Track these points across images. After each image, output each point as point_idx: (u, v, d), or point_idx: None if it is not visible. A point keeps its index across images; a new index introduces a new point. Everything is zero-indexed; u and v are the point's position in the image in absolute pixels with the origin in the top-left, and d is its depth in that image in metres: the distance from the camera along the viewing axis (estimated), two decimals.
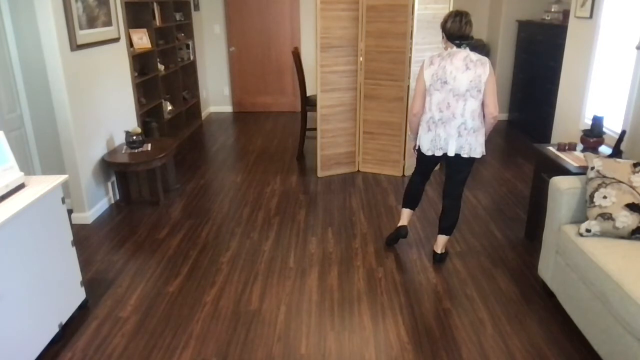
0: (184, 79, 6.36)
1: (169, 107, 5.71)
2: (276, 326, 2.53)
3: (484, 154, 2.88)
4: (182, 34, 6.22)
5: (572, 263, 2.39)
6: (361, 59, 4.42)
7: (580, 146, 3.17)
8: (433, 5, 4.20)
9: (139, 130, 4.08)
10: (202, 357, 2.32)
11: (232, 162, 5.08)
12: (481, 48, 6.32)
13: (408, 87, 4.31)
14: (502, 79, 6.44)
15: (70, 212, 3.66)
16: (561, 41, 4.64)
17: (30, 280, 2.20)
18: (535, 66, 5.61)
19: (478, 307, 2.67)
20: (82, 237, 3.51)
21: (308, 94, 6.49)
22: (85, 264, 3.15)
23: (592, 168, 2.46)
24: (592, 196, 2.40)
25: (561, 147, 3.12)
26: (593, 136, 3.08)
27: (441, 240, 3.08)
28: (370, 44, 4.35)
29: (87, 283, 2.93)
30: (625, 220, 2.28)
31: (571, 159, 2.96)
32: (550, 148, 3.19)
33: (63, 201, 2.48)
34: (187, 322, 2.57)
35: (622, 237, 2.33)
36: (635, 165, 2.38)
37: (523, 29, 6.03)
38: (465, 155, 2.83)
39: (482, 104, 2.77)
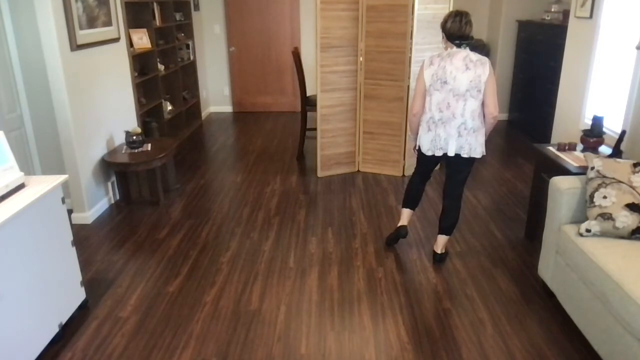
0: (184, 79, 6.36)
1: (169, 107, 5.71)
2: (276, 326, 2.53)
3: (484, 154, 2.87)
4: (182, 34, 6.22)
5: (572, 263, 2.39)
6: (361, 59, 4.42)
7: (580, 146, 3.17)
8: (433, 5, 4.20)
9: (139, 130, 4.08)
10: (202, 357, 2.32)
11: (232, 162, 5.08)
12: (481, 48, 6.32)
13: (408, 87, 4.31)
14: (502, 79, 6.44)
15: (70, 212, 3.66)
16: (561, 41, 4.64)
17: (30, 280, 2.20)
18: (535, 66, 5.61)
19: (478, 307, 2.67)
20: (82, 237, 3.52)
21: (308, 94, 6.49)
22: (85, 264, 3.15)
23: (592, 168, 2.46)
24: (592, 196, 2.40)
25: (561, 147, 3.12)
26: (593, 136, 3.08)
27: (441, 240, 3.08)
28: (370, 44, 4.35)
29: (87, 283, 2.93)
30: (625, 220, 2.28)
31: (571, 159, 2.96)
32: (550, 148, 3.19)
33: (63, 201, 2.48)
34: (187, 322, 2.57)
35: (622, 237, 2.33)
36: (635, 165, 2.38)
37: (523, 29, 6.03)
38: (465, 155, 2.83)
39: (482, 104, 2.77)
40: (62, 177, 2.46)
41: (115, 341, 2.43)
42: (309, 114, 5.02)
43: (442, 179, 4.46)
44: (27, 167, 3.68)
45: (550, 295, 2.73)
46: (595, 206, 2.37)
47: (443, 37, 2.82)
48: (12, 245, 2.08)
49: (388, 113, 4.46)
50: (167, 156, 4.01)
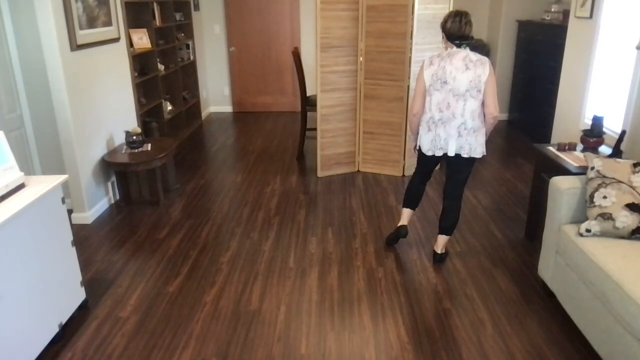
0: (184, 79, 6.36)
1: (169, 107, 5.71)
2: (276, 326, 2.53)
3: (484, 154, 2.87)
4: (182, 34, 6.22)
5: (572, 263, 2.39)
6: (361, 59, 4.42)
7: (580, 146, 3.17)
8: (433, 5, 4.20)
9: (139, 130, 4.08)
10: (202, 357, 2.32)
11: (232, 162, 5.08)
12: (481, 48, 6.32)
13: (408, 87, 4.31)
14: (502, 79, 6.44)
15: (70, 212, 3.66)
16: (561, 41, 4.64)
17: (30, 280, 2.20)
18: (535, 66, 5.61)
19: (478, 307, 2.67)
20: (82, 237, 3.52)
21: (308, 94, 6.49)
22: (85, 264, 3.15)
23: (592, 168, 2.46)
24: (592, 196, 2.40)
25: (561, 147, 3.12)
26: (593, 136, 3.08)
27: (441, 241, 3.08)
28: (370, 44, 4.35)
29: (87, 283, 2.93)
30: (625, 220, 2.28)
31: (571, 159, 2.96)
32: (550, 148, 3.19)
33: (63, 201, 2.48)
34: (187, 322, 2.57)
35: (622, 237, 2.33)
36: (635, 165, 2.38)
37: (523, 29, 6.03)
38: (465, 155, 2.83)
39: (482, 104, 2.77)
40: (62, 177, 2.46)
41: (115, 341, 2.43)
42: (309, 114, 5.02)
43: (442, 179, 4.46)
44: (27, 167, 3.68)
45: (550, 295, 2.73)
46: (595, 206, 2.37)
47: (443, 37, 2.82)
48: (12, 245, 2.08)
49: (388, 113, 4.46)
50: (167, 156, 4.01)
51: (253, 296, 2.79)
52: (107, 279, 2.98)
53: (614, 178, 2.36)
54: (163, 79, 5.51)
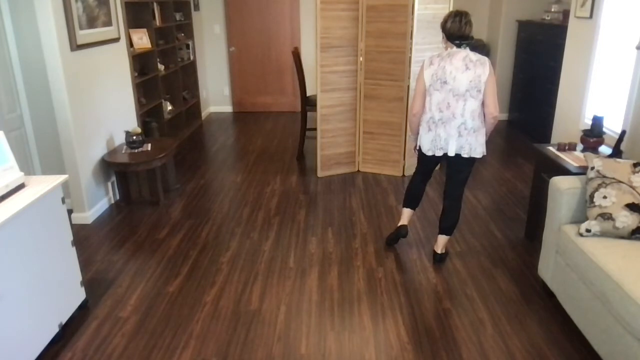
0: (184, 79, 6.36)
1: (169, 107, 5.71)
2: (276, 326, 2.53)
3: (485, 154, 2.87)
4: (182, 34, 6.22)
5: (572, 263, 2.39)
6: (361, 59, 4.42)
7: (580, 146, 3.17)
8: (433, 5, 4.20)
9: (139, 130, 4.08)
10: (202, 357, 2.32)
11: (232, 162, 5.08)
12: (481, 48, 6.32)
13: (408, 87, 4.31)
14: (502, 79, 6.44)
15: (70, 212, 3.66)
16: (561, 41, 4.64)
17: (30, 280, 2.20)
18: (535, 66, 5.61)
19: (478, 307, 2.67)
20: (82, 237, 3.52)
21: (308, 94, 6.49)
22: (85, 264, 3.15)
23: (592, 168, 2.46)
24: (592, 196, 2.40)
25: (561, 147, 3.12)
26: (593, 136, 3.08)
27: (441, 241, 3.08)
28: (370, 44, 4.35)
29: (87, 283, 2.93)
30: (625, 220, 2.28)
31: (571, 159, 2.96)
32: (550, 148, 3.19)
33: (63, 201, 2.48)
34: (187, 322, 2.57)
35: (622, 237, 2.33)
36: (635, 165, 2.38)
37: (523, 29, 6.03)
38: (465, 155, 2.83)
39: (483, 104, 2.77)
40: (62, 177, 2.46)
41: (115, 341, 2.43)
42: (309, 114, 5.02)
43: (442, 179, 4.46)
44: (27, 167, 3.68)
45: (550, 295, 2.73)
46: (595, 206, 2.37)
47: (443, 37, 2.82)
48: (12, 245, 2.08)
49: (388, 113, 4.46)
50: (167, 156, 4.01)
51: (253, 296, 2.79)
52: (107, 279, 2.98)
53: (614, 178, 2.36)
54: (163, 79, 5.51)
